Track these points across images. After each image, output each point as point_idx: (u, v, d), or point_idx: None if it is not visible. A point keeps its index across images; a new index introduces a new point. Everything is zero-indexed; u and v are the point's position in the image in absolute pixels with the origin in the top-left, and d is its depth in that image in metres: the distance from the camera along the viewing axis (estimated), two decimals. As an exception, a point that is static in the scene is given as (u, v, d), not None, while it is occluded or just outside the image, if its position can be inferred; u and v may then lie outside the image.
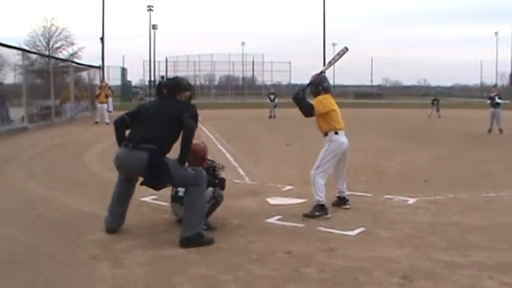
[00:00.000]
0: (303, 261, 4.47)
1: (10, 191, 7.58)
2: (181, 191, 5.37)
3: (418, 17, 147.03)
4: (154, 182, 4.97)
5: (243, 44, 75.84)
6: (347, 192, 6.51)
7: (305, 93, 6.22)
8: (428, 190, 7.57)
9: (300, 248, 4.82)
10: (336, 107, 6.29)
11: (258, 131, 19.04)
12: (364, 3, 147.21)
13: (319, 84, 6.29)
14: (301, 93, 6.16)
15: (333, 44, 53.98)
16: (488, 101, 18.59)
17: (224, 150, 12.38)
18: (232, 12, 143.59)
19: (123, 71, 56.50)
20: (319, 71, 6.45)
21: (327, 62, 6.87)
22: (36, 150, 12.68)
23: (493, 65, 79.07)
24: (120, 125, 5.24)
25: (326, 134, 6.18)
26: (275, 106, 26.36)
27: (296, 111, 6.40)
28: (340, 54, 6.56)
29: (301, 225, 5.67)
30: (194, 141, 5.14)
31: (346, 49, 6.54)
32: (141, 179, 5.04)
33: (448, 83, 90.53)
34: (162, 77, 42.90)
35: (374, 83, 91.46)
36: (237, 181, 8.22)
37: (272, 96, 26.97)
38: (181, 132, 4.91)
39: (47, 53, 43.79)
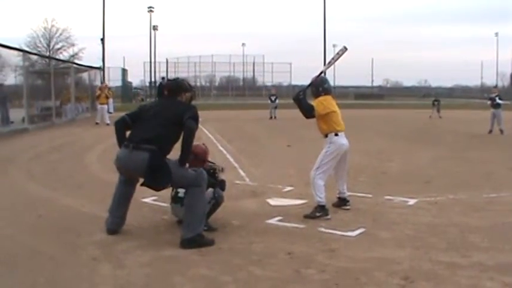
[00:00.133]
0: (303, 262, 4.47)
1: (11, 192, 7.59)
2: (181, 191, 5.37)
3: (419, 18, 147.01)
4: (155, 183, 4.97)
5: (243, 45, 76.12)
6: (347, 193, 6.51)
7: (305, 94, 6.21)
8: (429, 191, 7.57)
9: (301, 249, 4.82)
10: (336, 108, 6.29)
11: (258, 132, 19.04)
12: (365, 4, 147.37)
13: (319, 86, 6.29)
14: (301, 94, 6.16)
15: (334, 45, 53.96)
16: (489, 102, 18.60)
17: (225, 151, 12.38)
18: (233, 13, 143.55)
19: (124, 72, 56.54)
20: (319, 72, 6.45)
21: (326, 62, 6.87)
22: (36, 151, 12.68)
23: (493, 66, 79.01)
24: (120, 126, 5.24)
25: (326, 136, 6.18)
26: (275, 107, 26.38)
27: (296, 112, 6.39)
28: (339, 54, 6.56)
29: (301, 226, 5.66)
30: (195, 143, 5.14)
31: (346, 49, 6.55)
32: (141, 180, 5.04)
33: (448, 83, 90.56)
34: (163, 78, 42.87)
35: (374, 84, 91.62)
36: (237, 182, 8.22)
37: (273, 98, 27.00)
38: (182, 133, 4.91)
39: (47, 54, 43.83)
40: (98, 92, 23.42)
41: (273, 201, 6.88)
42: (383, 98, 67.87)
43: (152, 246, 4.89)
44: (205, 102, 46.33)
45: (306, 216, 5.94)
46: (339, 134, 6.16)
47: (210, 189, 5.35)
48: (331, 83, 6.80)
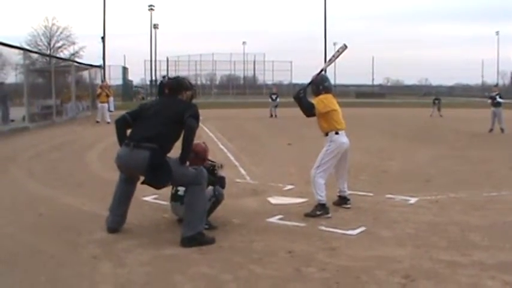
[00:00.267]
0: (304, 260, 4.47)
1: (11, 190, 7.59)
2: (181, 190, 5.37)
3: (419, 16, 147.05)
4: (156, 181, 4.96)
5: (244, 43, 76.06)
6: (348, 192, 6.51)
7: (306, 92, 6.21)
8: (430, 189, 7.57)
9: (301, 248, 4.82)
10: (337, 106, 6.28)
11: (259, 130, 19.04)
12: (365, 3, 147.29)
13: (320, 84, 6.28)
14: (302, 92, 6.16)
15: (334, 44, 53.72)
16: (490, 101, 18.58)
17: (225, 150, 12.38)
18: (234, 12, 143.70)
19: (124, 70, 56.52)
20: (319, 70, 6.45)
21: (326, 60, 6.87)
22: (37, 149, 12.69)
23: (494, 64, 78.79)
24: (121, 124, 5.24)
25: (327, 134, 6.17)
26: (276, 106, 26.37)
27: (297, 111, 6.39)
28: (339, 52, 6.56)
29: (302, 224, 5.66)
30: (195, 141, 5.14)
31: (345, 46, 6.54)
32: (142, 178, 5.04)
33: (449, 82, 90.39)
34: (164, 77, 42.82)
35: (375, 83, 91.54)
36: (238, 180, 8.23)
37: (274, 96, 26.99)
38: (183, 132, 4.91)
39: (48, 52, 43.79)
40: (99, 91, 23.42)
41: (273, 200, 6.88)
42: (384, 97, 67.82)
43: (153, 244, 4.90)
44: (205, 100, 46.34)
45: (307, 215, 5.94)
46: (340, 132, 6.15)
47: (210, 187, 5.35)
48: (332, 82, 6.79)
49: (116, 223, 5.32)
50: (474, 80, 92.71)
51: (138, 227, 5.51)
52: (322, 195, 5.97)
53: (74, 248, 4.83)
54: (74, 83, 26.72)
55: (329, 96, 6.27)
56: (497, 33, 75.26)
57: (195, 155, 5.34)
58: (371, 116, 28.23)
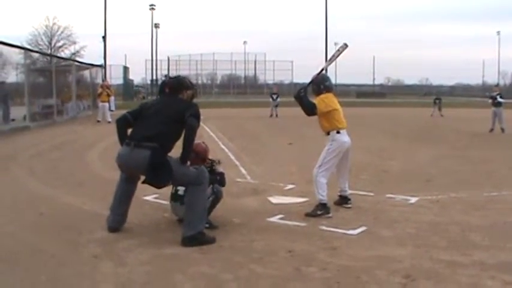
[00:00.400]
0: (304, 260, 4.47)
1: (12, 190, 7.59)
2: (181, 189, 5.37)
3: (420, 16, 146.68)
4: (156, 181, 4.96)
5: (245, 42, 76.13)
6: (349, 191, 6.51)
7: (307, 91, 6.20)
8: (430, 189, 7.57)
9: (302, 247, 4.82)
10: (338, 106, 6.28)
11: (260, 130, 19.03)
12: (366, 2, 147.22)
13: (320, 83, 6.28)
14: (302, 92, 6.15)
15: (335, 43, 53.48)
16: (490, 101, 18.57)
17: (226, 149, 12.38)
18: (234, 11, 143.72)
19: (125, 69, 56.55)
20: (319, 69, 6.44)
21: (327, 59, 6.86)
22: (38, 149, 12.70)
23: (495, 64, 78.64)
24: (122, 124, 5.23)
25: (328, 133, 6.17)
26: (277, 105, 26.37)
27: (298, 110, 6.39)
28: (340, 51, 6.55)
29: (303, 224, 5.66)
30: (196, 141, 5.13)
31: (346, 45, 6.53)
32: (143, 178, 5.04)
33: (450, 82, 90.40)
34: (166, 76, 42.88)
35: (376, 82, 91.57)
36: (238, 180, 8.23)
37: (274, 96, 26.99)
38: (183, 131, 4.91)
39: (49, 51, 43.78)
40: (100, 90, 23.42)
41: (274, 199, 6.88)
42: (384, 97, 67.82)
43: (153, 244, 4.90)
44: (206, 100, 46.33)
45: (307, 215, 5.94)
46: (341, 131, 6.15)
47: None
48: (333, 81, 6.78)
49: (117, 222, 5.32)
50: (475, 80, 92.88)
51: (138, 226, 5.51)
52: (323, 194, 5.97)
53: (75, 247, 4.83)
54: (74, 83, 26.72)
55: (330, 95, 6.26)
56: (498, 33, 75.27)
57: (195, 155, 5.34)
58: (372, 115, 28.23)
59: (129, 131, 5.19)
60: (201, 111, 5.12)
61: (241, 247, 4.84)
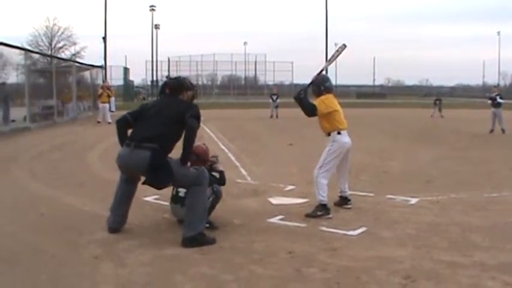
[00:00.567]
0: (305, 261, 4.47)
1: (13, 190, 7.59)
2: (181, 191, 5.37)
3: (420, 17, 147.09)
4: (156, 182, 4.96)
5: (245, 43, 76.31)
6: (349, 192, 6.51)
7: (307, 93, 6.20)
8: (430, 190, 7.57)
9: (302, 248, 4.82)
10: (338, 107, 6.28)
11: (260, 130, 19.04)
12: (366, 3, 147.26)
13: (321, 84, 6.28)
14: (302, 93, 6.15)
15: (335, 44, 53.33)
16: (490, 101, 18.57)
17: (226, 150, 12.37)
18: (235, 12, 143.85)
19: (126, 70, 56.56)
20: (319, 70, 6.44)
21: (326, 60, 6.86)
22: (38, 149, 12.70)
23: (495, 65, 78.61)
24: (122, 125, 5.24)
25: (329, 134, 6.17)
26: (277, 106, 26.38)
27: (298, 111, 6.39)
28: (339, 51, 6.56)
29: (303, 225, 5.66)
30: (196, 142, 5.14)
31: (345, 46, 6.54)
32: (143, 179, 5.04)
33: (450, 83, 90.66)
34: (167, 77, 42.89)
35: (376, 83, 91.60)
36: (239, 181, 8.23)
37: (274, 97, 27.00)
38: (184, 132, 4.91)
39: (49, 52, 43.82)
40: (100, 91, 23.43)
41: (274, 200, 6.88)
42: (385, 97, 67.83)
43: (153, 245, 4.90)
44: (207, 101, 46.35)
45: (308, 215, 5.94)
46: (342, 132, 6.15)
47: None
48: (333, 82, 6.78)
49: (117, 223, 5.32)
50: (475, 80, 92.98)
51: (139, 227, 5.51)
52: (324, 195, 5.97)
53: (75, 247, 4.83)
54: (75, 84, 26.71)
55: (330, 96, 6.26)
56: (498, 33, 75.30)
57: (196, 157, 5.35)
58: (372, 116, 28.22)
59: (130, 131, 5.19)
60: (201, 112, 5.12)
61: (241, 248, 4.85)
